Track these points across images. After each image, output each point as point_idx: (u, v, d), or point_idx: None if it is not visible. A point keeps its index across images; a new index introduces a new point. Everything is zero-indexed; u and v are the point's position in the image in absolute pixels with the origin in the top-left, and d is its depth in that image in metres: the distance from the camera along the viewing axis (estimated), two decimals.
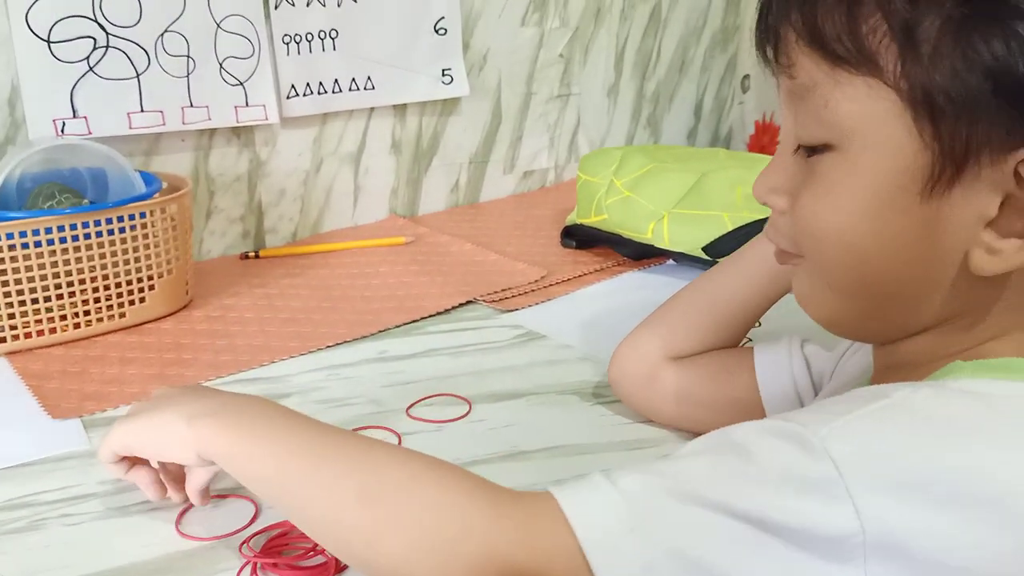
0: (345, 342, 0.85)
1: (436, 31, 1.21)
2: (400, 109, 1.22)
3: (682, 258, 1.00)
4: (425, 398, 0.74)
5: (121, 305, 0.87)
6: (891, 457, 0.36)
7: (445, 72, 1.23)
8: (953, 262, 0.41)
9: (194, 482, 0.57)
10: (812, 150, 0.43)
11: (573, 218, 1.11)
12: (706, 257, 0.96)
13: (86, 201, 0.90)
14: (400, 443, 0.67)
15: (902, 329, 0.45)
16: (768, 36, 0.44)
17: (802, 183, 0.44)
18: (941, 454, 0.36)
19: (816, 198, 0.43)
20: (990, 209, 0.39)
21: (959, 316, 0.43)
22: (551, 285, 0.99)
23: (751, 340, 0.71)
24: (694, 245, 0.97)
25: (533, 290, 0.97)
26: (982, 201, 0.39)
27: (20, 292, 0.81)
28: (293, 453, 0.47)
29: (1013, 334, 0.42)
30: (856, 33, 0.39)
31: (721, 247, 0.95)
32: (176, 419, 0.52)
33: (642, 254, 1.04)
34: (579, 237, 1.10)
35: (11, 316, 0.82)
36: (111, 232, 0.85)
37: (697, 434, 0.65)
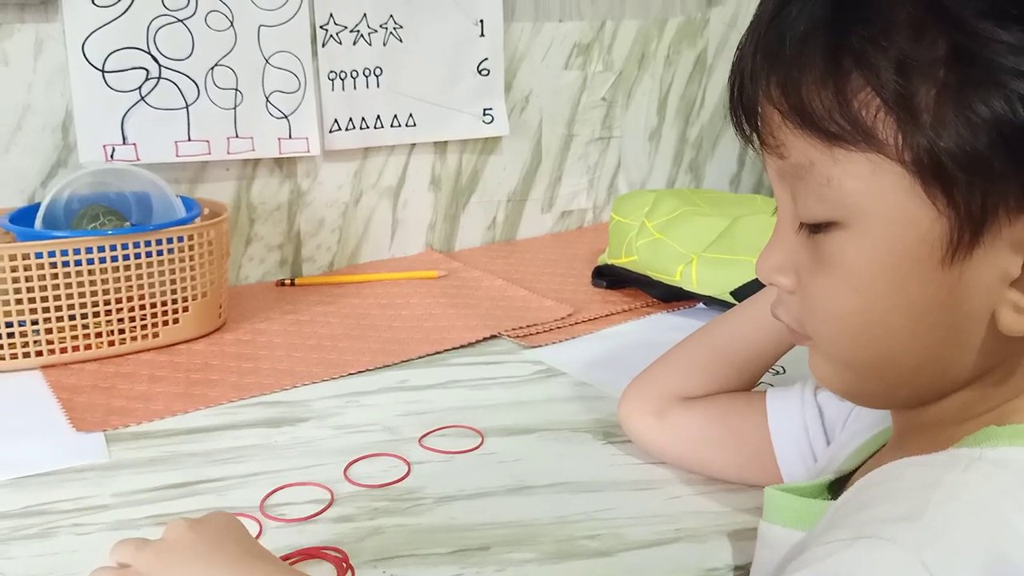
0: (368, 370, 0.87)
1: (479, 72, 1.24)
2: (441, 146, 1.24)
3: (711, 302, 0.99)
4: (439, 429, 0.75)
5: (155, 325, 0.90)
6: (968, 561, 0.34)
7: (486, 112, 1.25)
8: (980, 322, 0.40)
9: None
10: (816, 227, 0.42)
11: (604, 258, 1.11)
12: (734, 302, 0.95)
13: (128, 223, 0.93)
14: (409, 472, 0.68)
15: (933, 393, 0.44)
16: (747, 115, 0.43)
17: (811, 263, 0.43)
18: (1000, 550, 0.35)
19: (832, 281, 0.42)
20: (1013, 268, 0.38)
21: (989, 373, 0.42)
22: (577, 323, 0.99)
23: (771, 384, 0.70)
24: (722, 289, 0.97)
25: (559, 327, 0.98)
26: (1004, 260, 0.38)
27: (59, 308, 0.85)
28: None
29: None
30: (848, 109, 0.38)
31: (749, 292, 0.94)
32: None
33: (671, 296, 1.03)
34: (610, 277, 1.10)
35: (48, 331, 0.85)
36: (149, 254, 0.88)
37: (705, 475, 0.66)
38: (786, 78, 0.40)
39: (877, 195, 0.39)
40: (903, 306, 0.40)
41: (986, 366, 0.41)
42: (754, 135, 0.43)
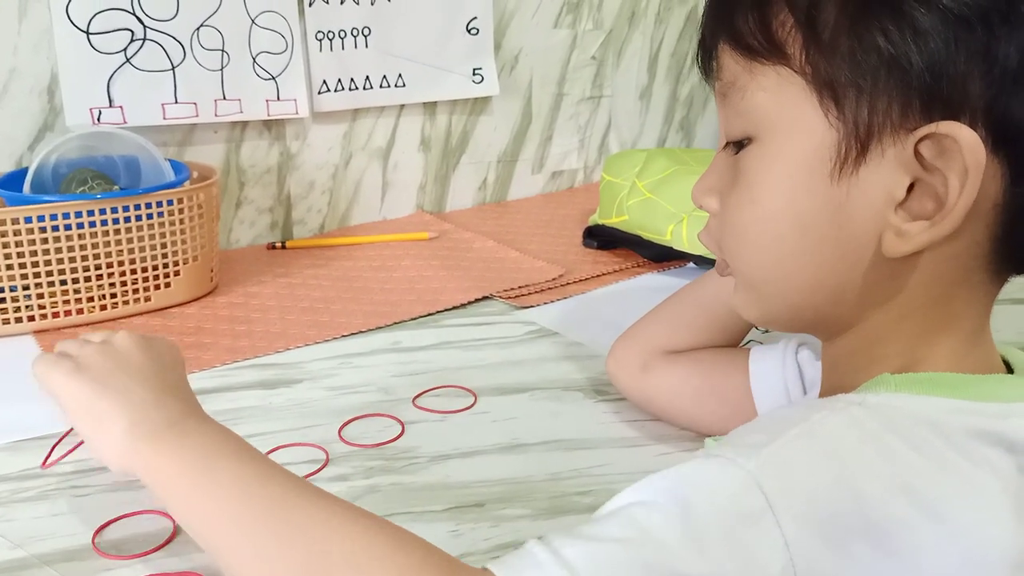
0: (361, 332, 0.87)
1: (468, 31, 1.22)
2: (430, 107, 1.23)
3: (702, 261, 1.00)
4: (432, 389, 0.75)
5: (147, 289, 0.90)
6: (810, 491, 0.35)
7: (476, 71, 1.24)
8: (868, 246, 0.41)
9: None
10: (739, 146, 0.45)
11: (595, 218, 1.11)
12: None
13: (117, 187, 0.93)
14: (403, 432, 0.69)
15: (836, 320, 0.45)
16: (705, 51, 0.46)
17: (731, 182, 0.45)
18: (851, 486, 0.36)
19: (739, 194, 0.45)
20: (898, 191, 0.40)
21: (885, 307, 0.43)
22: (568, 284, 0.99)
23: (760, 342, 0.70)
24: None
25: (550, 288, 0.98)
26: (890, 182, 0.40)
27: (50, 273, 0.84)
28: (234, 499, 0.44)
29: (944, 339, 0.42)
30: (767, 27, 0.42)
31: None
32: (115, 425, 0.49)
33: (662, 256, 1.04)
34: (601, 238, 1.10)
35: (40, 296, 0.85)
36: (139, 218, 0.87)
37: (692, 430, 0.67)
38: (728, 6, 0.44)
39: (781, 105, 0.42)
40: (792, 216, 0.42)
41: (881, 295, 0.42)
42: (707, 65, 0.46)
